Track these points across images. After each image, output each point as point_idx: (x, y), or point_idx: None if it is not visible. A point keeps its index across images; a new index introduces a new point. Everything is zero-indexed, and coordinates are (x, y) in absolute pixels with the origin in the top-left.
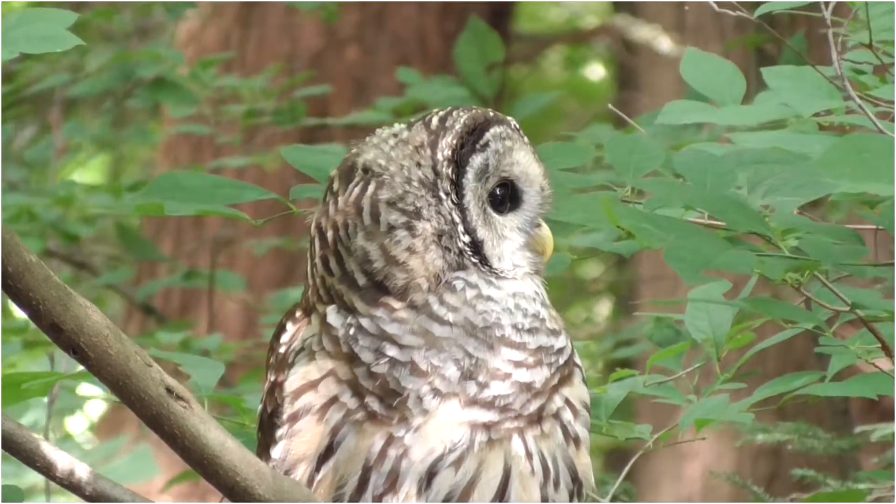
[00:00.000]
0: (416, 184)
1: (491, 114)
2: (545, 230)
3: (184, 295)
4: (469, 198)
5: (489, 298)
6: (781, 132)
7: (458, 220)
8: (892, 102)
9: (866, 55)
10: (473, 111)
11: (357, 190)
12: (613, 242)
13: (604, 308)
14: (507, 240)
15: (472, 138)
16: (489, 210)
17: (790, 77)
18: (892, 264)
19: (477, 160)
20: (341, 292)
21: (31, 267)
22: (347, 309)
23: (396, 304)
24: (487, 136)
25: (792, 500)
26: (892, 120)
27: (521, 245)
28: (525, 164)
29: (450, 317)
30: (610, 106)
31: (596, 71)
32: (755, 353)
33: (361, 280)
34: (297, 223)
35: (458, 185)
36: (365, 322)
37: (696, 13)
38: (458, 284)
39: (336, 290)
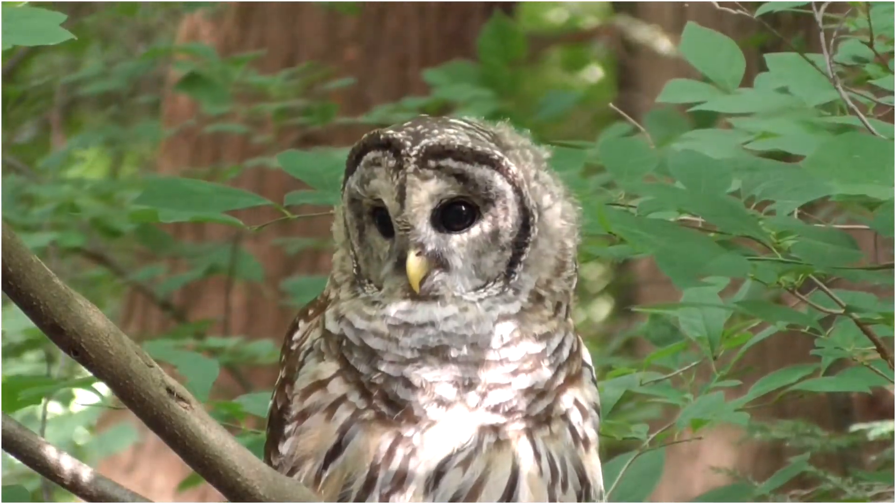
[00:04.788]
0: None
1: (381, 136)
2: (409, 260)
3: (187, 292)
4: (351, 219)
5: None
6: (781, 119)
7: (354, 240)
8: (892, 93)
9: (866, 49)
10: (376, 131)
11: None
12: (608, 246)
13: (602, 310)
14: (382, 263)
15: (352, 159)
16: (365, 231)
17: (793, 64)
18: (891, 266)
19: (350, 183)
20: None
21: (32, 267)
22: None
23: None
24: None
25: (792, 498)
26: (894, 111)
27: (392, 269)
28: (382, 192)
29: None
30: (611, 105)
31: (594, 72)
32: (748, 349)
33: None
34: (296, 228)
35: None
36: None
37: (696, 13)
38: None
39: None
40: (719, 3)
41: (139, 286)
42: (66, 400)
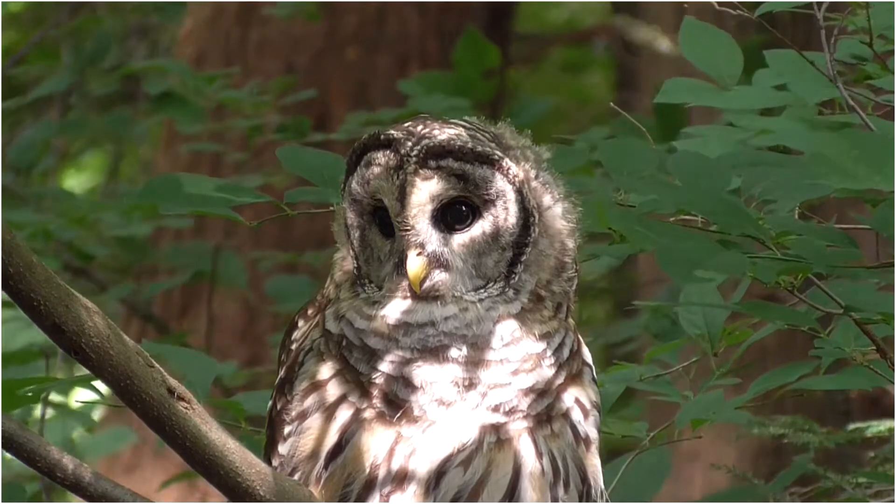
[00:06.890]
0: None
1: (381, 136)
2: (409, 260)
3: (184, 297)
4: (352, 220)
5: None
6: (780, 119)
7: (354, 241)
8: (893, 92)
9: (864, 48)
10: (377, 131)
11: None
12: (607, 246)
13: (600, 311)
14: (382, 263)
15: (353, 159)
16: (366, 231)
17: (793, 62)
18: (891, 265)
19: (351, 183)
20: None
21: (33, 268)
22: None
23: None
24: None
25: (791, 497)
26: (893, 110)
27: (392, 270)
28: (383, 192)
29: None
30: (612, 104)
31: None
32: (748, 347)
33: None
34: (296, 227)
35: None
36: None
37: (696, 14)
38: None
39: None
40: (719, 3)
41: (122, 299)
42: (65, 395)
